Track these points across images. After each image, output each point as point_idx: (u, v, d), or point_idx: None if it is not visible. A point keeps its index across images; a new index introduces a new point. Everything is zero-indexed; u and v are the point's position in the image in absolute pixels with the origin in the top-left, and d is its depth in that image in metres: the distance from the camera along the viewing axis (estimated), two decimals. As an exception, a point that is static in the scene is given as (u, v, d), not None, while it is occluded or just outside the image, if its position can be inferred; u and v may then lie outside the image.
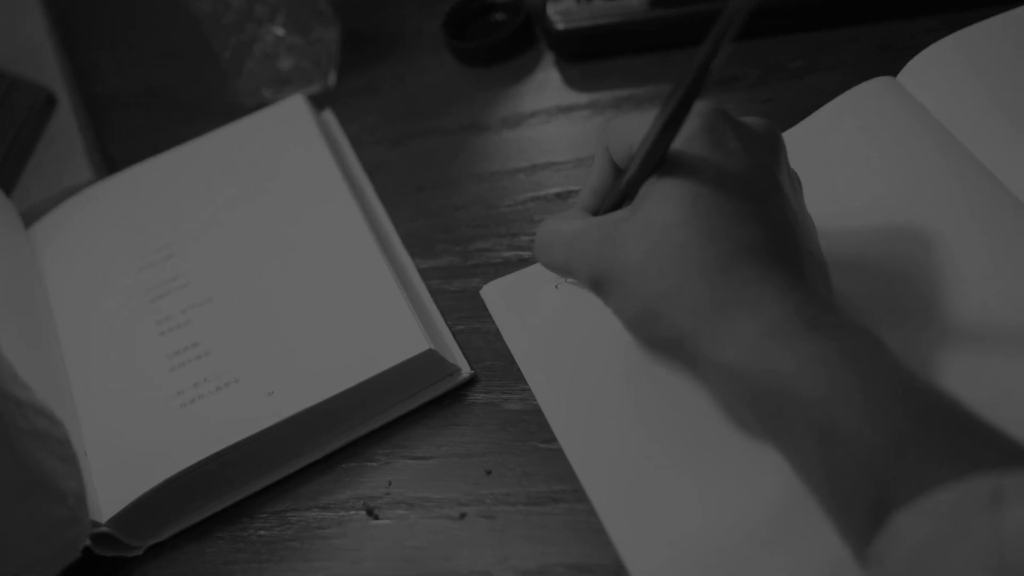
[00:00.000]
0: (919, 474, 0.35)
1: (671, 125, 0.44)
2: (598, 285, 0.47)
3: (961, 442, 0.36)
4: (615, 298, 0.46)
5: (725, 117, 0.46)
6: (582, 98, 0.73)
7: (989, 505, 0.33)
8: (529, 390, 0.57)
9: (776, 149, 0.47)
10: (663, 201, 0.44)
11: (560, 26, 0.74)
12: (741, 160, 0.45)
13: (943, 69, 0.61)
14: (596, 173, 0.52)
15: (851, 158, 0.59)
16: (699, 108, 0.45)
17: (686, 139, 0.45)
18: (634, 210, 0.45)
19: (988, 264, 0.53)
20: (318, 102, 0.79)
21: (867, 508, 0.36)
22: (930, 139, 0.58)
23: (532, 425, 0.56)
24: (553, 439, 0.55)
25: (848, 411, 0.38)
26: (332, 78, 0.81)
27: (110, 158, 0.83)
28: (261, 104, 0.80)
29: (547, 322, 0.59)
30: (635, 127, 0.47)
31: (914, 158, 0.58)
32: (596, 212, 0.51)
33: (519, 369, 0.58)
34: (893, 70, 0.63)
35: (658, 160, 0.45)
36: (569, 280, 0.59)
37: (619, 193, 0.49)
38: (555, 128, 0.72)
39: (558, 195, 0.67)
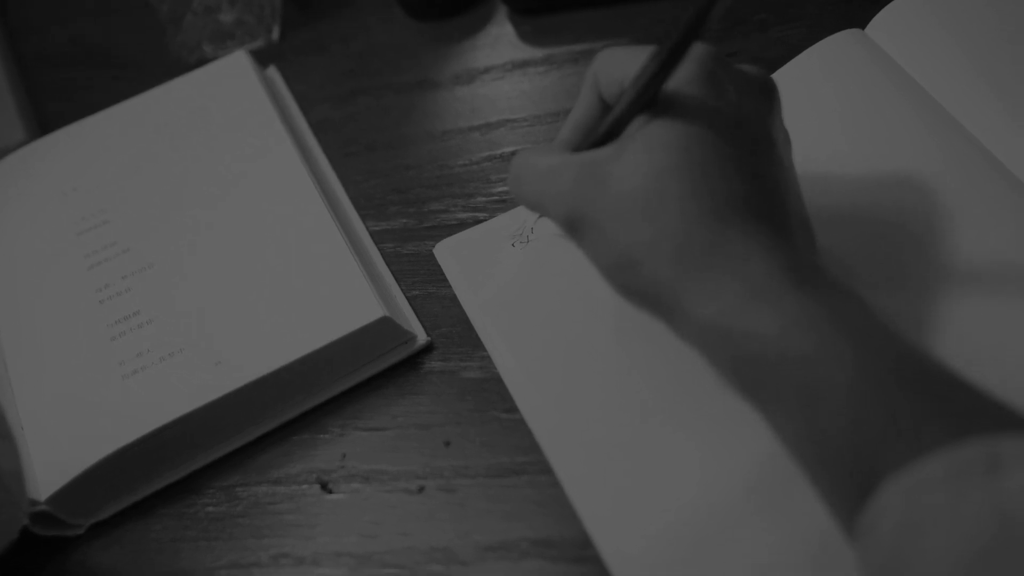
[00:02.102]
0: (910, 440, 0.34)
1: (668, 64, 0.41)
2: (573, 226, 0.44)
3: (954, 407, 0.35)
4: (592, 242, 0.43)
5: (722, 62, 0.44)
6: (537, 53, 0.71)
7: (986, 472, 0.31)
8: (489, 357, 0.55)
9: (772, 100, 0.45)
10: (653, 144, 0.42)
11: (514, -23, 0.71)
12: (736, 109, 0.43)
13: (913, 21, 0.60)
14: (581, 105, 0.49)
15: (821, 113, 0.58)
16: (696, 51, 0.43)
17: (681, 81, 0.43)
18: (620, 149, 0.43)
19: (960, 216, 0.52)
20: (261, 58, 0.76)
21: (855, 476, 0.35)
22: (901, 93, 0.57)
23: (492, 394, 0.54)
24: (514, 408, 0.53)
25: (837, 373, 0.36)
26: (276, 33, 0.78)
27: (42, 118, 0.80)
28: (201, 60, 0.77)
29: (505, 283, 0.57)
30: (628, 61, 0.44)
31: (885, 112, 0.57)
32: (577, 148, 0.48)
33: (478, 335, 0.56)
34: (858, 21, 0.62)
35: (650, 99, 0.43)
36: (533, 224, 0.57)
37: (604, 130, 0.45)
38: (510, 85, 0.70)
39: (514, 154, 0.64)
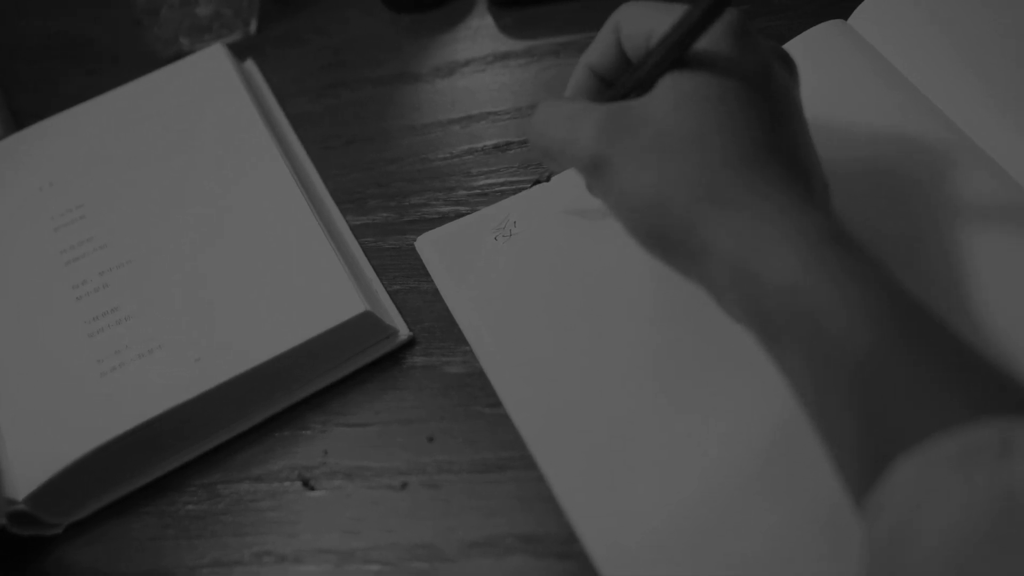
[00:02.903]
0: (923, 417, 0.34)
1: (703, 22, 0.42)
2: (599, 169, 0.44)
3: (971, 384, 0.35)
4: (619, 183, 0.43)
5: (749, 26, 0.44)
6: (518, 45, 0.70)
7: (998, 454, 0.31)
8: (471, 352, 0.55)
9: (794, 71, 0.47)
10: (688, 93, 0.42)
11: (493, -31, 0.71)
12: (765, 70, 0.43)
13: (896, 11, 0.60)
14: (598, 51, 0.49)
15: (806, 102, 0.57)
16: (727, 13, 0.44)
17: (712, 39, 0.43)
18: (653, 97, 0.43)
19: (941, 203, 0.52)
20: (239, 51, 0.75)
21: (866, 448, 0.35)
22: (884, 83, 0.58)
23: (475, 389, 0.54)
24: (498, 403, 0.53)
25: (856, 339, 0.36)
26: (253, 26, 0.77)
27: (16, 111, 0.78)
28: (178, 54, 0.76)
29: (488, 277, 0.56)
30: (655, 15, 0.45)
31: (868, 102, 0.57)
32: (599, 98, 0.48)
33: (460, 330, 0.56)
34: (840, 11, 0.62)
35: (679, 56, 0.43)
36: (543, 177, 0.57)
37: (632, 83, 0.46)
38: (491, 77, 0.69)
39: (496, 147, 0.64)
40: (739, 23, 0.44)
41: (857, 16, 0.61)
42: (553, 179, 0.58)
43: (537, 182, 0.58)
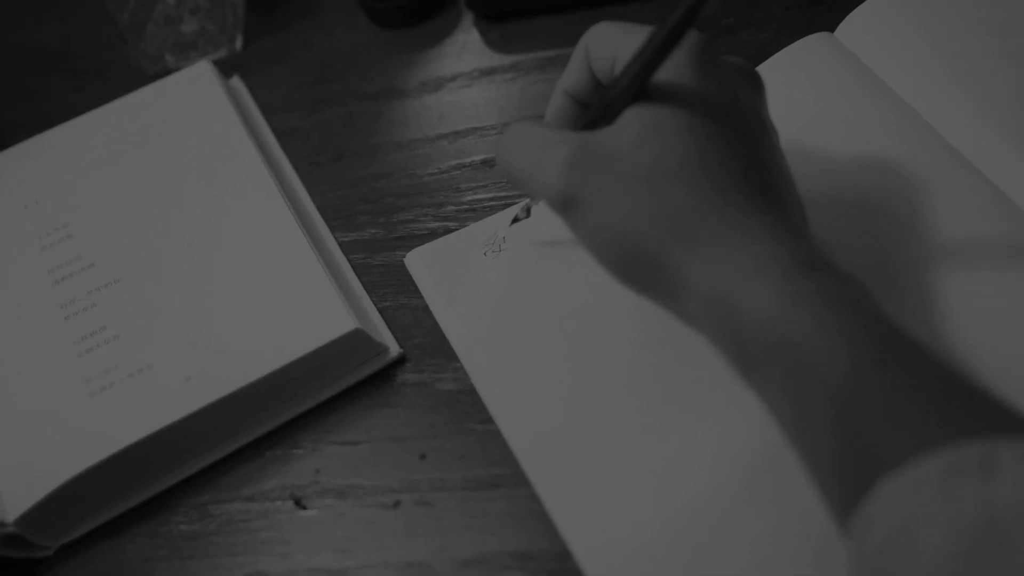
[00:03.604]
0: (907, 438, 0.34)
1: (663, 49, 0.41)
2: (569, 201, 0.43)
3: (951, 405, 0.35)
4: (591, 217, 0.43)
5: (712, 50, 0.44)
6: (504, 60, 0.71)
7: (980, 475, 0.31)
8: (463, 368, 0.55)
9: (760, 89, 0.46)
10: (656, 125, 0.42)
11: (479, -16, 0.71)
12: (729, 94, 0.43)
13: (882, 24, 0.60)
14: (571, 76, 0.49)
15: (793, 115, 0.58)
16: (688, 37, 0.43)
17: (675, 66, 0.43)
18: (621, 129, 0.43)
19: (926, 212, 0.52)
20: (225, 68, 0.75)
21: (848, 472, 0.35)
22: (871, 95, 0.58)
23: (467, 405, 0.54)
24: (490, 420, 0.53)
25: (834, 365, 0.36)
26: (239, 42, 0.77)
27: (1, 127, 0.78)
28: (164, 71, 0.76)
29: (478, 293, 0.56)
30: (621, 37, 0.45)
31: (855, 114, 0.57)
32: (569, 126, 0.48)
33: (451, 346, 0.56)
34: (823, 24, 0.62)
35: (644, 83, 0.43)
36: (521, 214, 0.57)
37: (597, 113, 0.45)
38: (478, 92, 0.69)
39: (484, 162, 0.64)
40: (701, 48, 0.43)
41: (843, 29, 0.61)
42: (533, 211, 0.57)
43: (516, 220, 0.57)
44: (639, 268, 0.42)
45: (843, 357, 0.36)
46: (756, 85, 0.46)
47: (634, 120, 0.42)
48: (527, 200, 0.57)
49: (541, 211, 0.56)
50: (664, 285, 0.42)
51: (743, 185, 0.41)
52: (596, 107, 0.45)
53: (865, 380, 0.35)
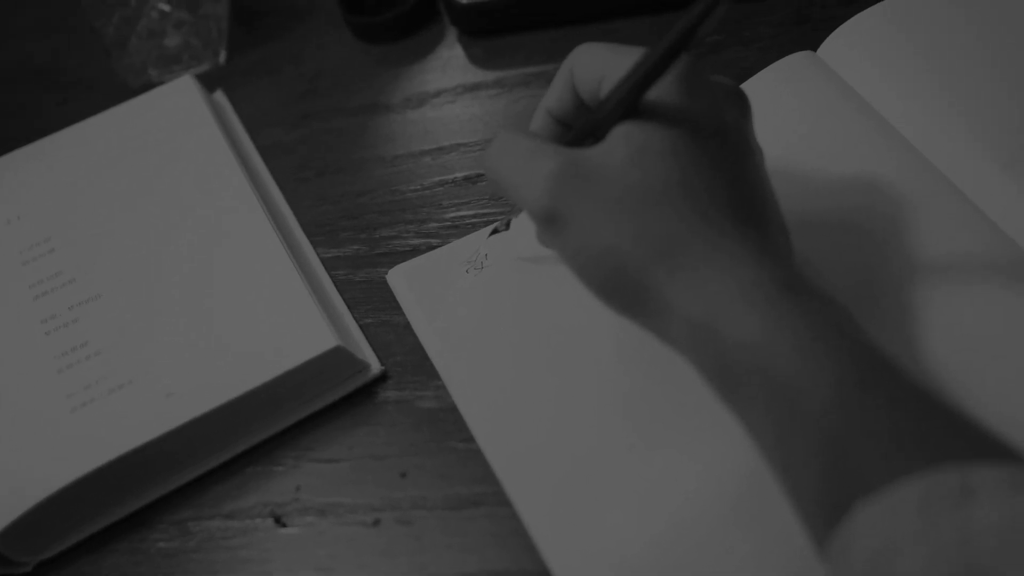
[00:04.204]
0: (885, 463, 0.34)
1: (653, 73, 0.42)
2: (553, 219, 0.43)
3: (931, 430, 0.35)
4: (575, 236, 0.42)
5: (701, 71, 0.44)
6: (488, 76, 0.71)
7: (958, 500, 0.31)
8: (444, 386, 0.55)
9: (745, 111, 0.46)
10: (641, 147, 0.42)
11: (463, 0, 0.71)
12: (715, 116, 0.43)
13: (863, 43, 0.61)
14: (555, 96, 0.49)
15: (775, 133, 0.58)
16: (678, 59, 0.43)
17: (662, 88, 0.43)
18: (606, 149, 0.43)
19: (906, 229, 0.53)
20: (208, 82, 0.75)
21: (829, 496, 0.35)
22: (852, 113, 0.58)
23: (448, 424, 0.54)
24: (471, 438, 0.53)
25: (817, 389, 0.36)
26: (223, 56, 0.77)
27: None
28: (148, 85, 0.76)
29: (460, 311, 0.56)
30: (607, 58, 0.45)
31: (836, 132, 0.57)
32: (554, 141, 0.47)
33: (432, 364, 0.56)
34: (811, 43, 0.62)
35: (633, 104, 0.43)
36: (501, 226, 0.57)
37: (584, 130, 0.45)
38: (461, 108, 0.69)
39: (467, 178, 0.65)
40: (690, 68, 0.43)
41: (826, 48, 0.62)
42: (512, 225, 0.57)
43: (496, 231, 0.58)
44: (622, 289, 0.42)
45: (826, 381, 0.36)
46: (742, 106, 0.46)
47: (622, 140, 0.42)
48: (508, 214, 0.57)
49: (521, 223, 0.56)
50: (647, 307, 0.42)
51: (727, 208, 0.41)
52: (583, 124, 0.45)
53: (848, 404, 0.36)
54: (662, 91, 0.43)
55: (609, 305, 0.44)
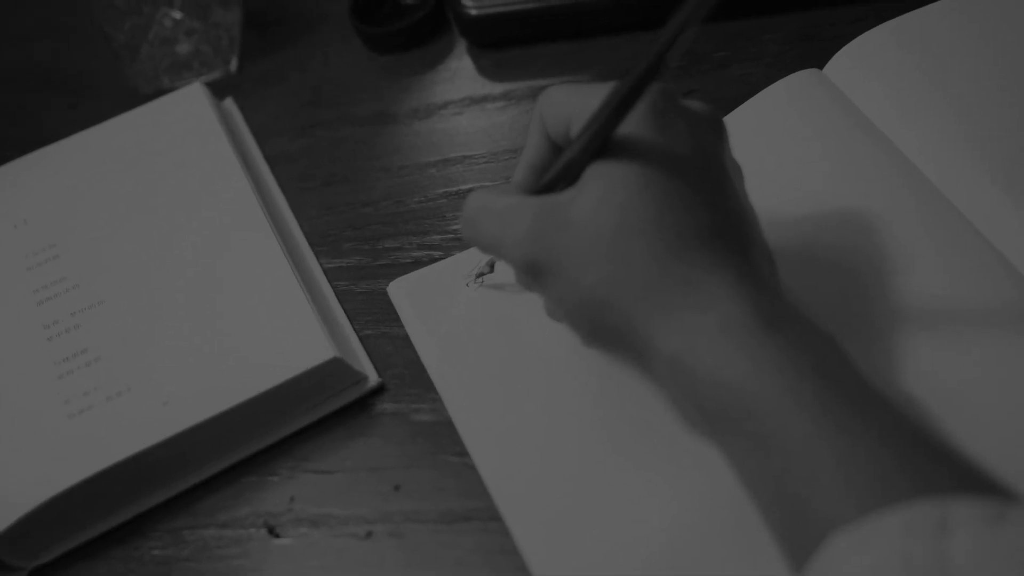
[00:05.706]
0: (863, 493, 0.34)
1: (621, 109, 0.41)
2: (534, 270, 0.43)
3: (912, 462, 0.35)
4: (556, 284, 0.43)
5: (671, 99, 0.44)
6: (496, 88, 0.71)
7: (934, 534, 0.31)
8: (441, 400, 0.55)
9: (720, 134, 0.45)
10: (613, 185, 0.41)
11: (473, 12, 0.71)
12: (688, 145, 0.43)
13: (869, 62, 0.60)
14: (531, 147, 0.48)
15: (778, 150, 0.58)
16: (647, 90, 0.43)
17: (633, 121, 0.42)
18: (579, 192, 0.42)
19: (910, 253, 0.52)
20: (219, 90, 0.75)
21: (808, 524, 0.35)
22: (856, 132, 0.58)
23: (444, 438, 0.54)
24: (466, 452, 0.52)
25: (794, 427, 0.36)
26: (233, 64, 0.78)
27: (-6, 143, 0.78)
28: (159, 91, 0.76)
29: (459, 326, 0.56)
30: (573, 99, 0.44)
31: (840, 150, 0.57)
32: (531, 191, 0.47)
33: (430, 377, 0.55)
34: (817, 60, 0.62)
35: (604, 142, 0.43)
36: (485, 269, 0.56)
37: (557, 174, 0.45)
38: (468, 120, 0.69)
39: (471, 191, 0.64)
40: (659, 99, 0.43)
41: (832, 66, 0.61)
42: (497, 267, 0.57)
43: (481, 275, 0.57)
44: (605, 331, 0.42)
45: (801, 421, 0.36)
46: (717, 130, 0.45)
47: (594, 180, 0.42)
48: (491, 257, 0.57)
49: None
50: (632, 348, 0.42)
51: (703, 241, 0.41)
52: (556, 168, 0.45)
53: (823, 440, 0.35)
54: (633, 124, 0.42)
55: (597, 348, 0.44)
